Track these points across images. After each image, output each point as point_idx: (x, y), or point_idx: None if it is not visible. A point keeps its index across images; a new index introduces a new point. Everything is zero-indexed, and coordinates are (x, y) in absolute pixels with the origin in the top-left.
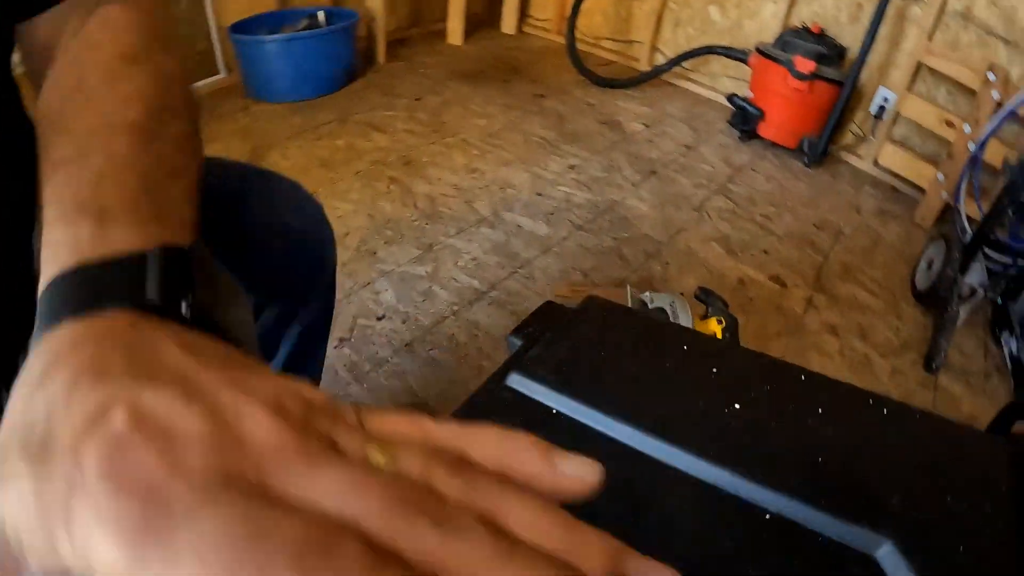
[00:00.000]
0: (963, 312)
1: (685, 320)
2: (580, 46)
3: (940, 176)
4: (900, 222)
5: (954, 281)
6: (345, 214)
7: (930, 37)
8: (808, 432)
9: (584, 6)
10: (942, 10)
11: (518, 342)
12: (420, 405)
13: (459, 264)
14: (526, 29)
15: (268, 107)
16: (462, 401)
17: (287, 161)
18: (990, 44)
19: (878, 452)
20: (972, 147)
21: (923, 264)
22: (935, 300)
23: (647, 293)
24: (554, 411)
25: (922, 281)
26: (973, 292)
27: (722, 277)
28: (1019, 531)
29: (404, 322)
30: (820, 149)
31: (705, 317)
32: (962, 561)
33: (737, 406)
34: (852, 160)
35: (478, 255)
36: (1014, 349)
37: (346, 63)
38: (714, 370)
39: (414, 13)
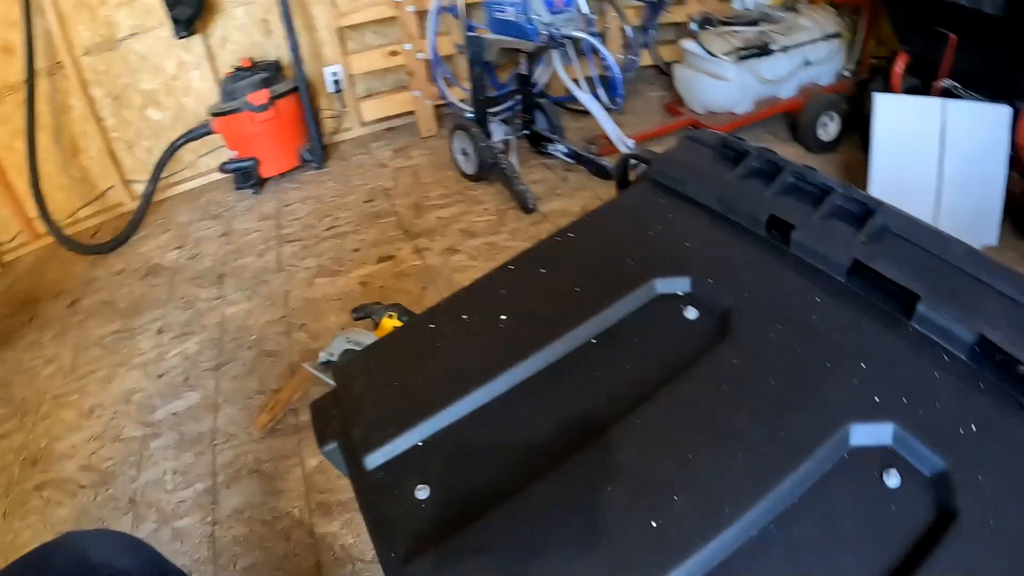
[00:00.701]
0: (513, 160)
1: (371, 340)
2: (67, 231)
3: (416, 92)
4: (415, 146)
5: (488, 147)
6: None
7: (335, 3)
8: (553, 283)
9: (42, 192)
10: None
11: (334, 443)
12: None
13: (169, 488)
14: (4, 259)
15: None
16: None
17: None
18: None
19: (600, 251)
20: (423, 55)
21: (459, 157)
22: (489, 169)
23: (322, 353)
24: (420, 444)
25: (469, 167)
26: (507, 142)
27: (349, 293)
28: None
29: (192, 574)
30: (318, 149)
31: (378, 325)
32: (708, 243)
33: (503, 317)
34: (347, 136)
35: (174, 466)
36: (563, 148)
37: None
38: (464, 316)
39: None
